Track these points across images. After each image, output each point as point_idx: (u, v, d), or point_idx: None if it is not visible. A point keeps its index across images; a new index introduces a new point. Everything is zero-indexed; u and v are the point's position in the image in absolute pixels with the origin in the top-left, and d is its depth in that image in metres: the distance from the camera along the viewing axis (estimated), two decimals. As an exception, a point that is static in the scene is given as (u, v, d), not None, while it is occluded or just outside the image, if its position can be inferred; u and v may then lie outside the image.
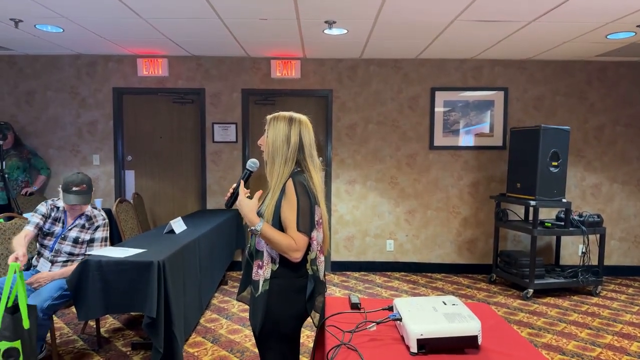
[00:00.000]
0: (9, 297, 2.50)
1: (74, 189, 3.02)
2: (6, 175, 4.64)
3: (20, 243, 2.90)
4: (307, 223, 1.78)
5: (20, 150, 5.06)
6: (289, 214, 1.77)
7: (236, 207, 1.84)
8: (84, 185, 3.07)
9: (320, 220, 1.88)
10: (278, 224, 1.80)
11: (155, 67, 5.34)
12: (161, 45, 4.87)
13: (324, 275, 1.92)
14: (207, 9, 3.65)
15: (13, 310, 2.52)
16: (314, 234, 1.83)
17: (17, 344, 2.49)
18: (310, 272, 1.84)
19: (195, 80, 5.43)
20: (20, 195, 5.03)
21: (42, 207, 3.14)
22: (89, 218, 3.22)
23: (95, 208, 3.31)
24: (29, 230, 3.05)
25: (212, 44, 4.82)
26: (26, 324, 2.54)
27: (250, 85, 5.43)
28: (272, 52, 5.19)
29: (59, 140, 5.44)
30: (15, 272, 2.52)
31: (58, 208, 3.17)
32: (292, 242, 1.75)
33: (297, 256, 1.77)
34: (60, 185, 3.09)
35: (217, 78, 5.43)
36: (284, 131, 1.84)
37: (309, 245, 1.83)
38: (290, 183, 1.79)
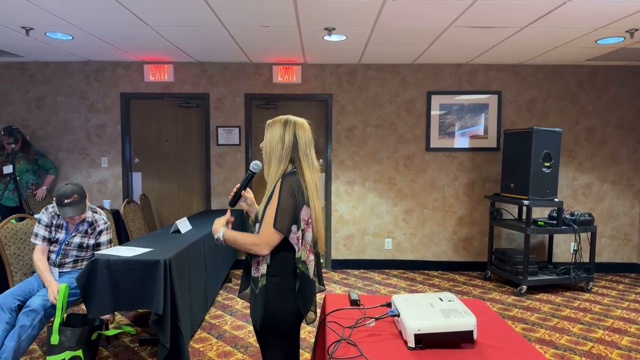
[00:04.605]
0: (62, 314, 2.84)
1: (66, 201, 2.97)
2: (17, 178, 4.72)
3: (47, 268, 3.02)
4: (284, 222, 1.78)
5: (27, 152, 5.09)
6: (269, 211, 1.80)
7: (239, 207, 1.89)
8: (75, 196, 2.99)
9: (311, 220, 1.88)
10: None
11: (161, 72, 5.44)
12: (167, 51, 4.95)
13: (315, 274, 1.92)
14: (212, 17, 3.74)
15: (67, 324, 2.89)
16: (300, 233, 1.83)
17: (79, 352, 2.80)
18: (299, 270, 1.84)
19: (200, 85, 5.54)
20: (31, 197, 5.12)
21: (44, 217, 3.09)
22: (91, 224, 3.19)
23: (95, 212, 3.25)
24: (41, 246, 3.06)
25: (216, 50, 4.89)
26: (94, 336, 2.95)
27: (253, 90, 5.54)
28: (274, 58, 5.27)
29: (69, 144, 5.54)
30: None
31: (59, 215, 3.11)
32: (253, 238, 1.81)
33: (259, 250, 1.80)
34: (54, 199, 3.02)
35: (221, 83, 5.54)
36: (279, 132, 1.87)
37: (289, 245, 1.83)
38: (278, 183, 1.82)
